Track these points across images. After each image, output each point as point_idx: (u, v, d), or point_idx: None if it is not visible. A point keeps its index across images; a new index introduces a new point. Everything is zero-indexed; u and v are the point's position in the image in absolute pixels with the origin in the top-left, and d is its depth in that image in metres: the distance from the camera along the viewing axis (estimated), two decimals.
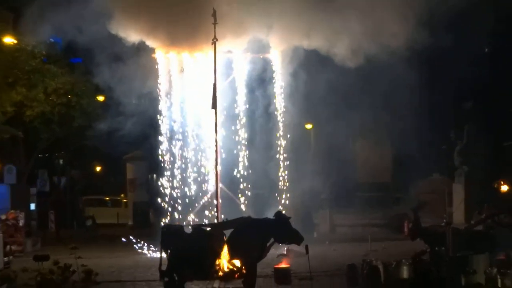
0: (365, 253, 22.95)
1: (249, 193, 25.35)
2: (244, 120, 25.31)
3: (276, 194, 25.34)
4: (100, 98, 34.95)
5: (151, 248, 25.82)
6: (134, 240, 27.34)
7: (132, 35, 23.85)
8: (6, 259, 21.93)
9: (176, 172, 25.16)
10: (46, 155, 43.51)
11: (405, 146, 32.95)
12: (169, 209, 24.95)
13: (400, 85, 25.34)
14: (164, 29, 23.74)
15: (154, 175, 41.04)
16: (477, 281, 15.46)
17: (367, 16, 22.72)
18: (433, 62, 29.01)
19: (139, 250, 26.38)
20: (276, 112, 25.49)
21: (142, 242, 26.65)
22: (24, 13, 26.47)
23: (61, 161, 44.55)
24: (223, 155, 24.59)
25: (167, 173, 25.24)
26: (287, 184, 25.55)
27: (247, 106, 25.46)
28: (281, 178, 25.44)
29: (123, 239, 30.78)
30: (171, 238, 16.60)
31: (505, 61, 32.02)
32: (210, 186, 24.65)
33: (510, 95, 31.88)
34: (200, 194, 25.08)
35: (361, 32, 22.71)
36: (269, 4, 23.14)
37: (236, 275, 16.76)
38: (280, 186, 25.35)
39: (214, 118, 23.10)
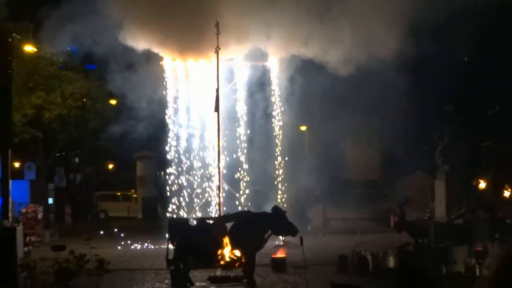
0: (354, 244, 22.86)
1: (249, 189, 25.34)
2: (244, 122, 25.31)
3: (274, 190, 25.35)
4: (113, 102, 34.96)
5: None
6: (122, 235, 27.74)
7: (141, 44, 23.83)
8: (26, 249, 21.88)
9: (182, 170, 25.15)
10: (63, 153, 43.44)
11: (392, 146, 32.92)
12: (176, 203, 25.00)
13: (388, 91, 25.32)
14: (171, 39, 23.73)
15: (162, 173, 41.01)
16: (457, 270, 15.49)
17: (358, 28, 22.72)
18: (418, 70, 28.98)
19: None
20: (273, 115, 25.50)
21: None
22: (43, 24, 26.45)
23: (76, 160, 44.46)
24: (225, 154, 24.59)
25: (174, 171, 25.24)
26: (284, 181, 25.55)
27: (247, 108, 25.46)
28: (278, 176, 25.44)
29: (101, 232, 30.91)
30: (177, 230, 16.61)
31: (483, 70, 32.01)
32: (213, 183, 24.64)
33: (487, 100, 31.87)
34: (204, 188, 25.08)
35: (353, 42, 22.70)
36: (268, 16, 23.13)
37: (236, 264, 16.78)
38: (277, 183, 25.35)
39: (217, 120, 23.10)
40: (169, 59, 24.91)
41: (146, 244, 26.13)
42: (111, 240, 27.52)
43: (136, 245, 26.25)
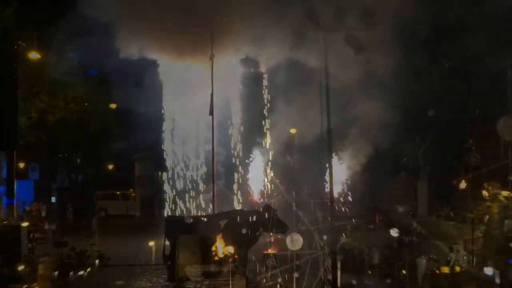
0: (342, 240, 22.85)
1: (242, 189, 25.31)
2: (238, 125, 25.29)
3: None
4: (113, 106, 34.95)
5: None
6: None
7: (136, 51, 23.72)
8: (30, 245, 21.80)
9: (178, 171, 25.11)
10: (66, 155, 43.38)
11: (378, 148, 32.91)
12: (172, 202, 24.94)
13: (375, 96, 25.31)
14: (168, 46, 23.69)
15: (159, 173, 40.99)
16: (439, 265, 15.53)
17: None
18: (403, 77, 29.01)
19: None
20: (265, 118, 25.49)
21: None
22: (47, 33, 26.46)
23: (78, 160, 44.45)
24: (220, 155, 24.56)
25: (170, 172, 25.20)
26: (275, 181, 25.50)
27: (242, 111, 25.44)
28: (270, 176, 25.41)
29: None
30: (173, 227, 16.61)
31: (462, 79, 32.08)
32: (208, 183, 24.60)
33: (466, 107, 31.95)
34: (199, 188, 25.05)
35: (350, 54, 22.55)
36: (263, 25, 23.10)
37: (230, 260, 16.77)
38: (269, 183, 25.33)
39: (212, 122, 23.11)
40: (166, 64, 24.84)
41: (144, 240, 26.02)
42: (111, 237, 27.46)
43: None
